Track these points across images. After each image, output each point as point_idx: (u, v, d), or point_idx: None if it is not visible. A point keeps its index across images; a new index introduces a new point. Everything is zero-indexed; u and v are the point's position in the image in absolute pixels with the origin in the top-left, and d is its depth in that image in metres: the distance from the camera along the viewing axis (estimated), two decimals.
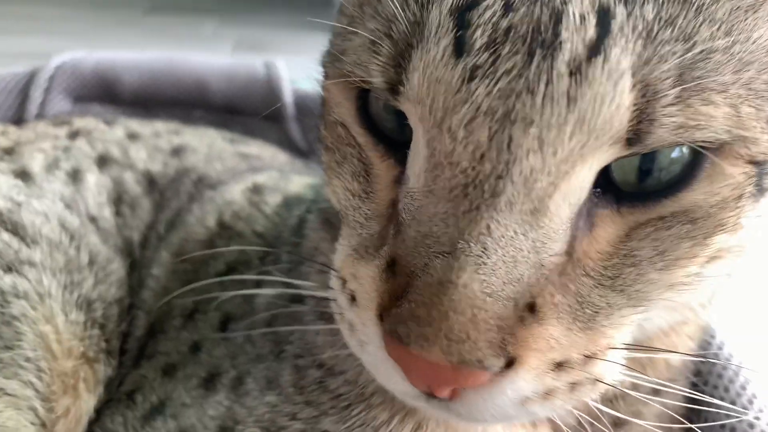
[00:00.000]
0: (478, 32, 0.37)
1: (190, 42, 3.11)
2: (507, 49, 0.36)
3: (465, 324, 0.35)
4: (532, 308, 0.37)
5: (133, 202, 0.75)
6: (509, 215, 0.37)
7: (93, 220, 0.71)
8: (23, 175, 0.73)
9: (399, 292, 0.38)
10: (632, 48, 0.35)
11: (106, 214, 0.72)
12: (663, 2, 0.36)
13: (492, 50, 0.36)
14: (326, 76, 0.47)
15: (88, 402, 0.60)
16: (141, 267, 0.69)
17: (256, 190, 0.75)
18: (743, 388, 0.56)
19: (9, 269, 0.61)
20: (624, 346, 0.41)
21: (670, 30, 0.36)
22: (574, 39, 0.35)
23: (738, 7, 0.38)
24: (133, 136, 0.84)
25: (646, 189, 0.38)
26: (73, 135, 0.82)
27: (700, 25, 0.36)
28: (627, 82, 0.35)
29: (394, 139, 0.43)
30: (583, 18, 0.36)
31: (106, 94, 1.06)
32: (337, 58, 0.44)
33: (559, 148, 0.36)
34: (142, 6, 3.52)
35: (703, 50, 0.36)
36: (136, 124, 0.88)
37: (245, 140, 0.93)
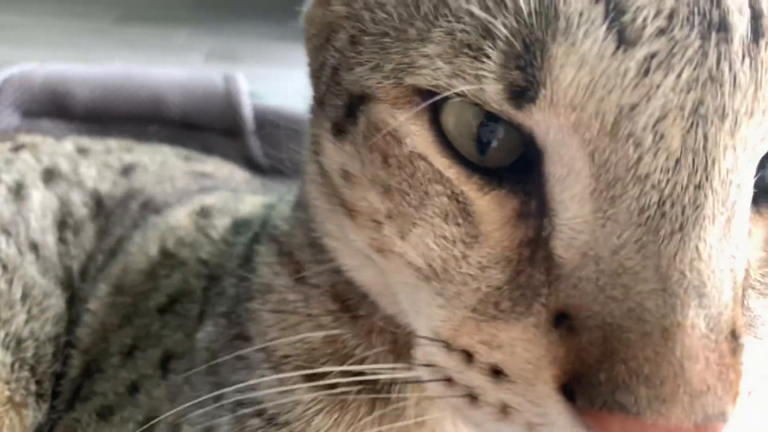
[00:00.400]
0: (644, 15, 0.31)
1: (161, 52, 3.05)
2: (682, 33, 0.31)
3: (702, 372, 0.30)
4: (734, 335, 0.32)
5: (77, 226, 0.70)
6: (713, 230, 0.32)
7: (34, 247, 0.66)
8: None
9: (594, 353, 0.31)
10: None
11: (49, 240, 0.67)
12: None
13: (666, 36, 0.31)
14: (374, 97, 0.38)
15: None
16: (78, 301, 0.65)
17: (204, 213, 0.70)
18: None
19: None
20: None
21: None
22: (740, 20, 0.32)
23: None
24: (83, 151, 0.79)
25: None
26: (18, 148, 0.78)
27: None
28: None
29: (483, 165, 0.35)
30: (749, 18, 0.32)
31: (56, 108, 1.02)
32: (399, 72, 0.36)
33: (748, 141, 0.32)
34: (112, 16, 3.47)
35: None
36: (88, 140, 0.83)
37: (201, 158, 0.88)
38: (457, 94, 0.33)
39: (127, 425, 0.54)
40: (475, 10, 0.33)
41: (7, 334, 0.58)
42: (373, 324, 0.47)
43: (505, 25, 0.33)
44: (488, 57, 0.33)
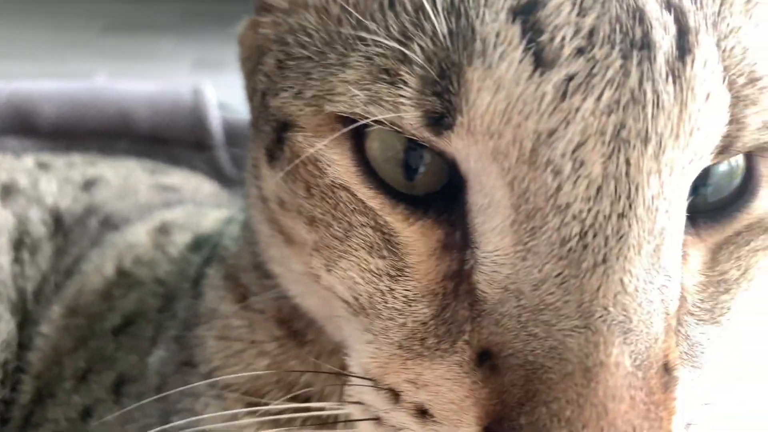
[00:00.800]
0: (562, 35, 0.30)
1: (147, 61, 3.05)
2: (602, 52, 0.30)
3: (627, 413, 0.29)
4: (667, 369, 0.31)
5: (34, 246, 0.69)
6: (639, 261, 0.31)
7: None
8: None
9: (516, 394, 0.30)
10: (712, 45, 0.31)
11: (3, 262, 0.66)
12: (720, 5, 0.32)
13: (586, 56, 0.30)
14: (296, 124, 0.37)
15: None
16: (31, 324, 0.64)
17: (164, 229, 0.69)
18: None
19: None
20: None
21: (733, 37, 0.32)
22: (663, 37, 0.31)
23: None
24: (44, 166, 0.78)
25: (712, 205, 0.34)
26: None
27: (749, 26, 0.33)
28: (719, 79, 0.31)
29: (409, 194, 0.34)
30: (661, 14, 0.31)
31: (21, 126, 1.01)
32: (319, 99, 0.35)
33: (675, 165, 0.30)
34: (97, 26, 3.46)
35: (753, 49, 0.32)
36: (49, 155, 0.82)
37: (168, 170, 0.88)
38: (377, 122, 0.32)
39: None
40: (393, 32, 0.32)
41: None
42: (321, 349, 0.46)
43: (421, 48, 0.32)
44: (405, 83, 0.32)
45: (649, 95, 0.30)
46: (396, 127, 0.32)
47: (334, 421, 0.44)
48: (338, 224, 0.36)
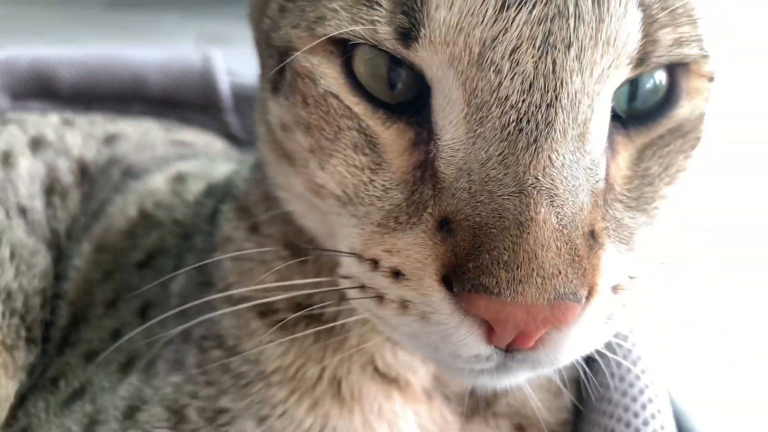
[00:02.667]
0: None
1: (151, 37, 3.10)
2: None
3: (554, 258, 0.36)
4: (593, 234, 0.38)
5: (64, 192, 0.76)
6: (564, 143, 0.38)
7: (23, 211, 0.72)
8: None
9: (466, 248, 0.37)
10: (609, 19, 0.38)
11: (37, 205, 0.74)
12: None
13: None
14: (295, 48, 0.44)
15: (7, 388, 0.61)
16: (65, 259, 0.71)
17: (180, 178, 0.76)
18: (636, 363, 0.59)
19: None
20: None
21: None
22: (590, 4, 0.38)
23: None
24: (68, 122, 0.85)
25: (641, 112, 0.41)
26: (4, 123, 0.84)
27: None
28: (635, 3, 0.38)
29: (389, 102, 0.42)
30: None
31: (43, 90, 1.07)
32: (312, 25, 0.42)
33: (595, 68, 0.38)
34: (101, 2, 3.50)
35: None
36: (71, 114, 0.89)
37: (182, 128, 0.95)
38: (359, 39, 0.40)
39: (111, 365, 0.60)
40: None
41: None
42: (321, 266, 0.53)
43: None
44: (380, 4, 0.39)
45: (572, 9, 0.37)
46: (373, 41, 0.39)
47: (332, 327, 0.51)
48: (329, 128, 0.43)
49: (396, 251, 0.40)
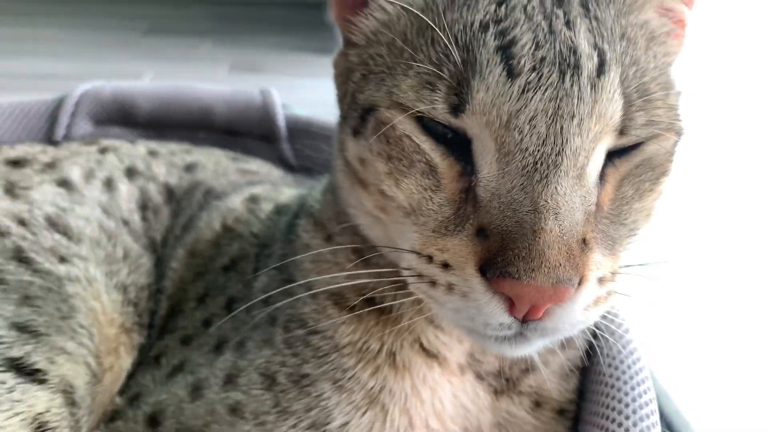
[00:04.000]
0: (524, 61, 0.53)
1: (186, 62, 3.30)
2: (546, 70, 0.53)
3: (557, 256, 0.50)
4: (585, 242, 0.53)
5: (156, 209, 0.93)
6: (566, 179, 0.53)
7: (126, 223, 0.89)
8: (65, 183, 0.92)
9: (496, 247, 0.52)
10: (617, 72, 0.54)
11: (136, 218, 0.91)
12: (629, 46, 0.56)
13: (537, 72, 0.53)
14: (377, 105, 0.59)
15: (126, 361, 0.78)
16: (163, 261, 0.88)
17: (253, 199, 0.93)
18: (632, 353, 0.74)
19: (63, 260, 0.79)
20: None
21: (634, 67, 0.56)
22: (588, 64, 0.53)
23: (666, 55, 0.61)
24: (153, 153, 1.03)
25: (623, 150, 0.57)
26: (103, 151, 1.01)
27: (647, 62, 0.57)
28: (618, 92, 0.54)
29: (446, 143, 0.57)
30: (589, 51, 0.54)
31: (123, 118, 1.25)
32: (391, 90, 0.57)
33: (590, 132, 0.53)
34: (141, 28, 3.72)
35: (650, 77, 0.56)
36: (155, 144, 1.06)
37: (246, 158, 1.12)
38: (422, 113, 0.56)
39: (204, 347, 0.76)
40: (433, 60, 0.56)
41: (117, 282, 0.81)
42: (380, 265, 0.69)
43: (448, 70, 0.55)
44: (439, 89, 0.55)
45: (576, 93, 0.53)
46: (431, 117, 0.56)
47: (389, 312, 0.67)
48: (405, 158, 0.58)
49: (446, 250, 0.56)
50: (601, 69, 0.54)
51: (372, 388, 0.66)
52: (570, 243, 0.52)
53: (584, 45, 0.54)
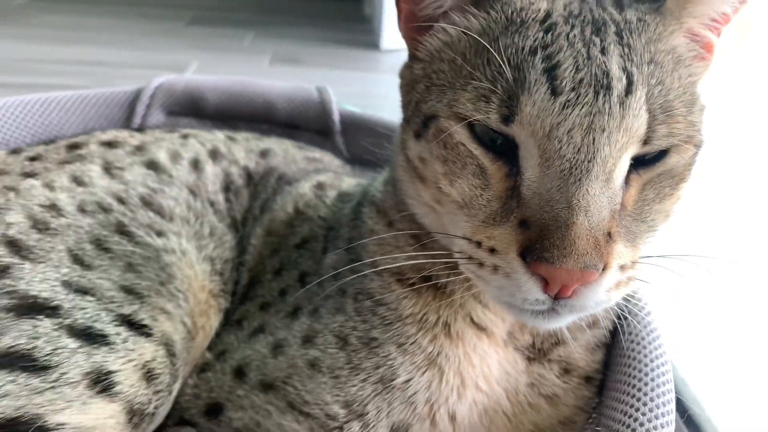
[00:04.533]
0: (565, 82, 0.63)
1: (230, 53, 3.43)
2: (583, 91, 0.63)
3: (585, 245, 0.60)
4: (609, 235, 0.63)
5: (237, 191, 1.06)
6: (596, 183, 0.62)
7: (212, 204, 1.02)
8: (153, 165, 1.04)
9: (535, 236, 0.62)
10: (643, 91, 0.64)
11: (220, 199, 1.04)
12: (656, 68, 0.67)
13: (576, 92, 0.63)
14: (437, 115, 0.69)
15: (214, 322, 0.91)
16: (244, 238, 1.01)
17: (320, 186, 1.06)
18: (652, 332, 0.86)
19: (159, 234, 0.92)
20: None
21: (660, 86, 0.66)
22: (618, 85, 0.63)
23: (690, 75, 0.71)
24: (231, 139, 1.16)
25: (647, 161, 0.67)
26: (185, 136, 1.14)
27: (672, 83, 0.68)
28: (644, 108, 0.64)
29: (495, 150, 0.67)
30: (620, 74, 0.64)
31: (193, 110, 1.38)
32: (450, 103, 0.68)
33: (617, 143, 0.63)
34: (184, 18, 3.87)
35: (673, 95, 0.67)
36: (229, 131, 1.19)
37: (310, 147, 1.24)
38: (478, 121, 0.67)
39: (280, 313, 0.89)
40: (488, 77, 0.67)
41: (205, 255, 0.94)
42: (435, 248, 0.81)
43: (501, 87, 0.66)
44: (493, 102, 0.66)
45: (607, 109, 0.63)
46: (486, 123, 0.66)
47: (444, 288, 0.80)
48: (459, 161, 0.69)
49: (493, 237, 0.66)
50: (629, 89, 0.64)
51: (431, 352, 0.78)
52: (597, 235, 0.62)
53: (615, 69, 0.65)
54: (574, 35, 0.67)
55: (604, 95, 0.63)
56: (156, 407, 0.78)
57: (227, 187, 1.06)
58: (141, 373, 0.77)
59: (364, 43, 3.69)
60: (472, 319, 0.80)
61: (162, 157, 1.06)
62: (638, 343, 0.81)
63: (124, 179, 1.01)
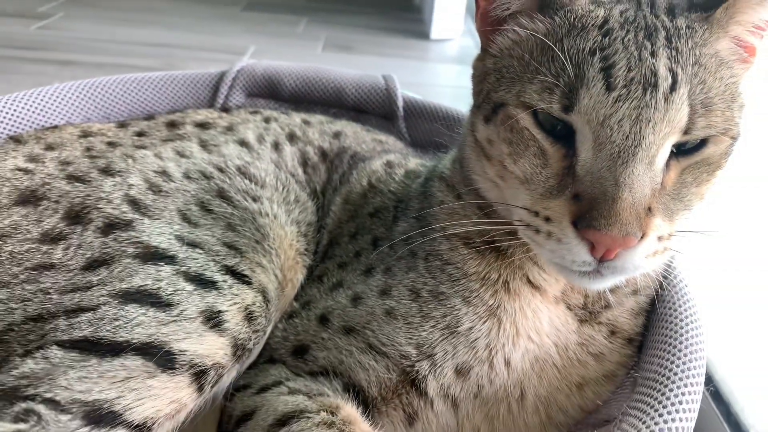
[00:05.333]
0: (619, 80, 0.74)
1: (284, 39, 3.59)
2: (633, 87, 0.74)
3: (628, 216, 0.72)
4: (650, 209, 0.74)
5: (314, 166, 1.21)
6: (640, 165, 0.73)
7: (293, 175, 1.17)
8: (244, 143, 1.20)
9: (586, 208, 0.73)
10: (686, 89, 0.75)
11: (299, 172, 1.18)
12: (699, 69, 0.77)
13: (627, 88, 0.74)
14: (506, 103, 0.81)
15: (300, 276, 1.05)
16: (325, 206, 1.15)
17: (389, 164, 1.20)
18: (686, 301, 0.98)
19: (255, 200, 1.07)
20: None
21: (701, 85, 0.76)
22: (664, 83, 0.74)
23: (731, 76, 0.81)
24: (306, 122, 1.30)
25: (686, 150, 0.78)
26: (267, 120, 1.29)
27: (714, 82, 0.79)
28: (686, 104, 0.75)
29: (554, 134, 0.78)
30: (666, 74, 0.75)
31: (270, 92, 1.54)
32: (518, 94, 0.79)
33: (660, 133, 0.74)
34: (240, 3, 4.03)
35: (714, 93, 0.79)
36: (305, 114, 1.34)
37: (375, 130, 1.38)
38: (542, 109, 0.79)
39: (356, 271, 1.03)
40: (552, 73, 0.79)
41: (292, 219, 1.09)
42: (497, 216, 0.93)
43: (563, 81, 0.77)
44: (555, 93, 0.78)
45: (652, 104, 0.75)
46: (549, 111, 0.78)
47: (504, 251, 0.93)
48: (522, 143, 0.80)
49: (549, 208, 0.78)
50: (673, 87, 0.76)
51: (491, 305, 0.91)
52: (638, 209, 0.74)
53: (662, 69, 0.76)
54: (629, 39, 0.77)
55: (651, 92, 0.75)
56: (254, 344, 0.93)
57: (305, 162, 1.21)
58: (243, 315, 0.92)
59: (414, 33, 3.81)
60: (528, 278, 0.92)
61: (250, 137, 1.21)
62: (675, 309, 0.93)
63: (221, 152, 1.16)
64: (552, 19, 0.83)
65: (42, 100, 1.31)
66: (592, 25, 0.80)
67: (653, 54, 0.77)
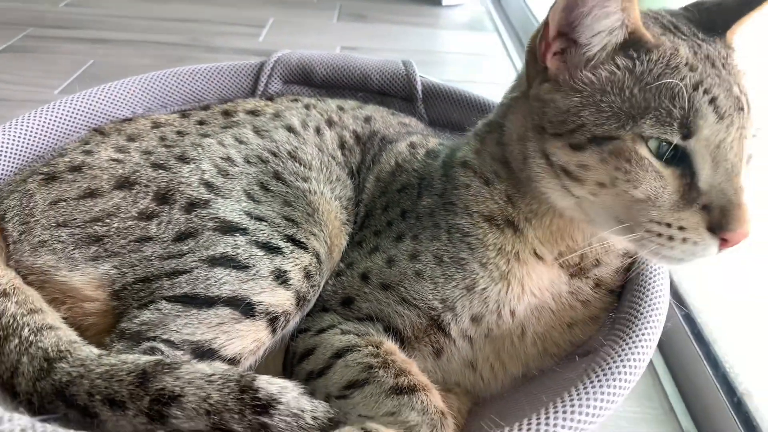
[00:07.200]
0: (725, 109, 0.91)
1: (300, 8, 3.78)
2: (735, 113, 0.91)
3: (749, 215, 0.90)
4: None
5: (350, 148, 1.44)
6: (744, 171, 0.92)
7: (333, 157, 1.41)
8: (291, 129, 1.43)
9: (718, 215, 0.90)
10: (750, 112, 0.94)
11: (338, 154, 1.42)
12: (747, 92, 0.95)
13: (731, 115, 0.91)
14: (614, 137, 0.94)
15: (343, 242, 1.30)
16: (360, 183, 1.40)
17: (412, 145, 1.43)
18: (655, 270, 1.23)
19: (304, 180, 1.32)
20: None
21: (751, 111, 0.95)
22: (746, 105, 0.93)
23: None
24: (341, 109, 1.54)
25: None
26: (307, 106, 1.53)
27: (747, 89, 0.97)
28: (752, 113, 0.94)
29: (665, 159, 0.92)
30: (742, 96, 0.93)
31: (304, 79, 1.77)
32: (634, 128, 0.92)
33: (748, 142, 0.93)
34: None
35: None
36: (339, 101, 1.58)
37: (400, 114, 1.62)
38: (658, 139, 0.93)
39: (389, 238, 1.27)
40: (664, 107, 0.92)
41: (335, 195, 1.32)
42: (520, 210, 1.17)
43: (680, 114, 0.91)
44: (672, 126, 0.91)
45: (747, 124, 0.94)
46: (666, 140, 0.92)
47: (521, 229, 1.17)
48: (642, 170, 0.93)
49: (682, 219, 0.93)
50: (748, 105, 0.95)
51: (504, 270, 1.15)
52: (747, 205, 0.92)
53: (738, 92, 0.94)
54: (708, 72, 0.95)
55: (741, 113, 0.94)
56: (312, 296, 1.20)
57: (342, 145, 1.45)
58: (303, 273, 1.18)
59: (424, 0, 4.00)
60: (534, 251, 1.17)
61: (296, 123, 1.45)
62: (647, 268, 1.19)
63: (273, 138, 1.40)
64: (645, 59, 0.96)
65: (112, 94, 1.56)
66: (679, 63, 0.95)
67: (730, 81, 0.95)
